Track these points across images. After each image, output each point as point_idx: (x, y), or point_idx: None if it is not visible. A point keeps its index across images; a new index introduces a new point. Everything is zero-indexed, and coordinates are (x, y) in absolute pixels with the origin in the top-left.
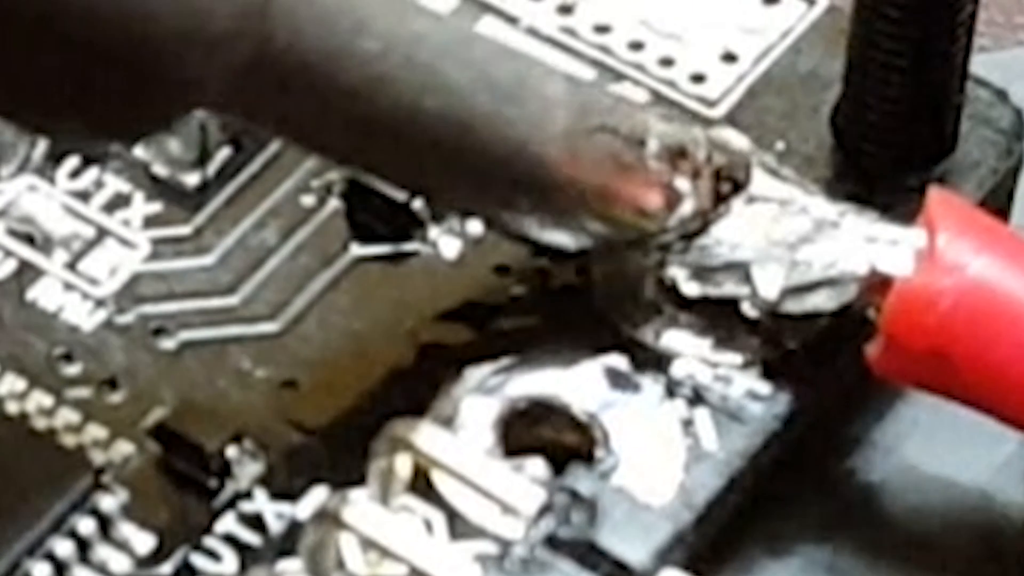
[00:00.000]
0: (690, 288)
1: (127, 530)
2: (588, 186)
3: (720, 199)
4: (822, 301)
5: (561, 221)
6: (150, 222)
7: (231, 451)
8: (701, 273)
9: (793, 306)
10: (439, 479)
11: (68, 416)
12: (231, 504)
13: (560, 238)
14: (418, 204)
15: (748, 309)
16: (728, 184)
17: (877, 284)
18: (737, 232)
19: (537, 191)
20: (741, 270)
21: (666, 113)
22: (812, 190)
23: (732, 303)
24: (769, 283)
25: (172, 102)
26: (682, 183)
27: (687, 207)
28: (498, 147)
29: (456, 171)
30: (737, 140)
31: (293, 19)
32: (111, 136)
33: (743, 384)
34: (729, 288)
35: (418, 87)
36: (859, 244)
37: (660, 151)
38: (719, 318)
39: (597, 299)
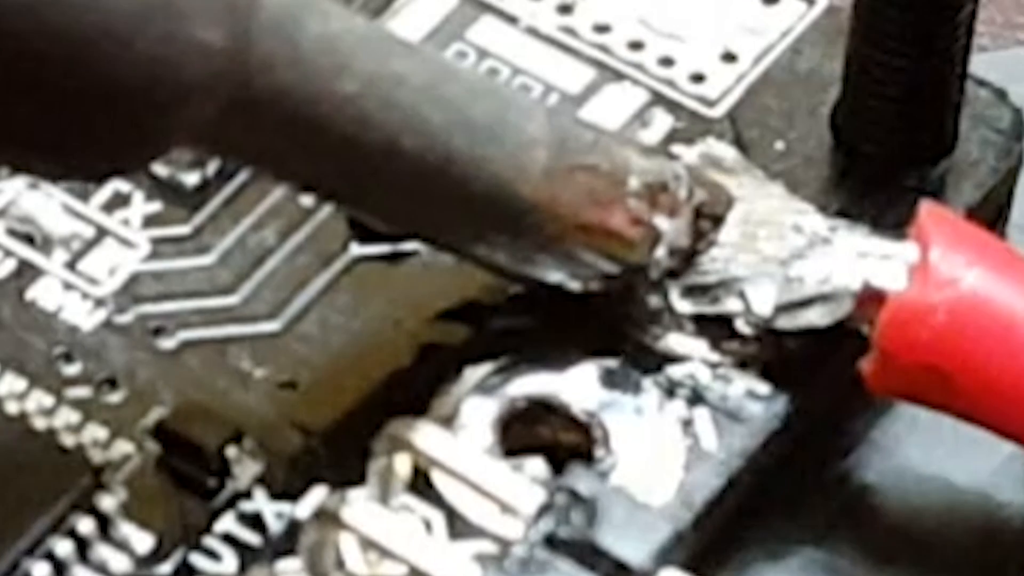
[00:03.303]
0: (683, 306)
1: (126, 530)
2: (568, 224)
3: (700, 235)
4: (816, 317)
5: (540, 258)
6: (150, 222)
7: (231, 451)
8: (694, 290)
9: (786, 322)
10: (438, 479)
11: (68, 416)
12: (230, 504)
13: (538, 274)
14: None
15: (742, 326)
16: (708, 221)
17: (870, 299)
18: (729, 249)
19: (516, 229)
20: (734, 287)
21: (647, 148)
22: (803, 207)
23: (726, 319)
24: (762, 300)
25: (147, 146)
26: (662, 220)
27: (667, 244)
28: (476, 186)
29: (434, 209)
30: (728, 153)
31: (272, 62)
32: (85, 176)
33: (743, 384)
34: (722, 305)
35: (396, 128)
36: (852, 259)
37: (640, 188)
38: (718, 319)
39: (595, 299)
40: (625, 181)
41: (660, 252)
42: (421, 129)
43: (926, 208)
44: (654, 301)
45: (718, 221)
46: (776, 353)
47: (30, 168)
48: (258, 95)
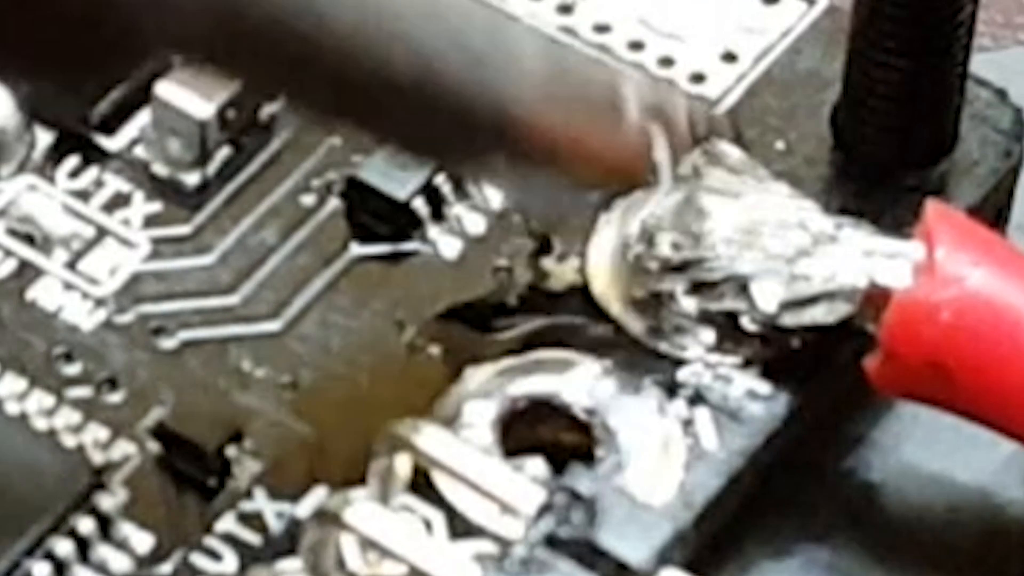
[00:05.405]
0: (688, 303)
1: (127, 530)
2: (564, 147)
3: (697, 169)
4: (821, 315)
5: (537, 183)
6: (150, 222)
7: (231, 451)
8: (699, 288)
9: (791, 320)
10: (439, 479)
11: (68, 416)
12: (230, 504)
13: (536, 202)
14: (418, 203)
15: (747, 323)
16: (705, 150)
17: (876, 297)
18: (735, 247)
19: (513, 151)
20: (739, 284)
21: (646, 76)
22: (808, 205)
23: (731, 316)
24: (768, 297)
25: (131, 54)
26: (659, 145)
27: (663, 170)
28: (473, 107)
29: (430, 130)
30: (732, 152)
31: None
32: (69, 86)
33: (743, 384)
34: (728, 303)
35: (391, 52)
36: (857, 257)
37: (638, 113)
38: (723, 316)
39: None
40: (622, 106)
41: (656, 177)
42: (416, 52)
43: (932, 207)
44: (658, 299)
45: (716, 155)
46: (780, 351)
47: (29, 77)
48: (250, 20)
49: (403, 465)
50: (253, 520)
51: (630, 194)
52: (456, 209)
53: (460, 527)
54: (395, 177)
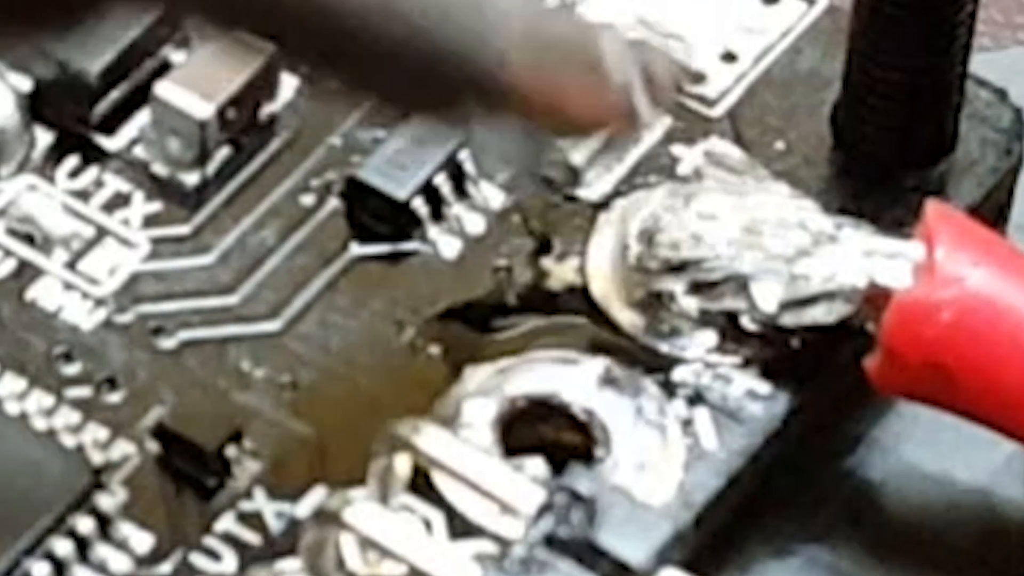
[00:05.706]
0: (688, 303)
1: (126, 530)
2: (541, 97)
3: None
4: (821, 315)
5: (512, 128)
6: (150, 221)
7: (231, 451)
8: (699, 287)
9: (791, 319)
10: (439, 479)
11: (68, 416)
12: (231, 504)
13: (506, 145)
14: (418, 203)
15: (747, 323)
16: (705, 150)
17: (876, 297)
18: (735, 246)
19: (490, 96)
20: (739, 284)
21: (619, 33)
22: (808, 205)
23: (731, 316)
24: (767, 297)
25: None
26: (639, 98)
27: (642, 121)
28: (451, 51)
29: (404, 71)
30: (732, 152)
31: None
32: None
33: (743, 384)
34: (728, 302)
35: (368, 6)
36: (857, 257)
37: (614, 64)
38: (723, 316)
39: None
40: (600, 58)
41: (637, 128)
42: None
43: (932, 207)
44: (658, 299)
45: (716, 155)
46: (780, 351)
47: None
48: None
49: (403, 465)
50: (253, 520)
51: (630, 194)
52: (456, 209)
53: (460, 527)
54: (395, 177)
